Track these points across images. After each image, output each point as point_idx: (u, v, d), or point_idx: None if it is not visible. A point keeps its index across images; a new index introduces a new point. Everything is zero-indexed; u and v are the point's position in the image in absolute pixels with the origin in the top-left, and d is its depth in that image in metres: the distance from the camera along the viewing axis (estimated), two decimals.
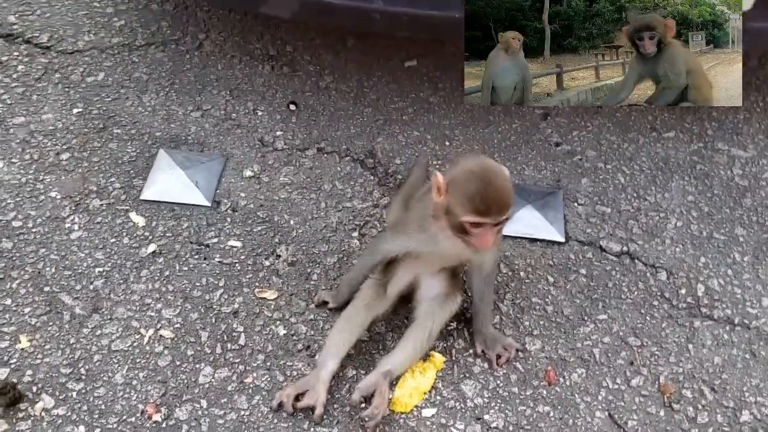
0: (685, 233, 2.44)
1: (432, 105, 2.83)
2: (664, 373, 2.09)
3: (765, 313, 2.23)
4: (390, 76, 2.92)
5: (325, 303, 2.20)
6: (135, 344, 2.10)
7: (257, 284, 2.26)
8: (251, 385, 2.03)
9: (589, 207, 2.50)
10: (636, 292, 2.28)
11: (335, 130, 2.72)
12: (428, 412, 2.00)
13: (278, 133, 2.70)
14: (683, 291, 2.28)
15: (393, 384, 2.03)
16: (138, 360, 2.07)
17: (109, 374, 2.03)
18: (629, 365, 2.11)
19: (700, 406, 2.03)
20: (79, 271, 2.25)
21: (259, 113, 2.77)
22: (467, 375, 2.07)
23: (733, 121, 2.78)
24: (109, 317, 2.15)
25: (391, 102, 2.83)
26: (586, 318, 2.21)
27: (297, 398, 1.98)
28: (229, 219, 2.43)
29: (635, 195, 2.54)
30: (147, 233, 2.37)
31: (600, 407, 2.02)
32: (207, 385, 2.03)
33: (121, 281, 2.24)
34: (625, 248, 2.39)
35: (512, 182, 1.83)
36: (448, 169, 1.91)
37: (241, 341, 2.13)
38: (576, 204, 2.51)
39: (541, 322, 2.20)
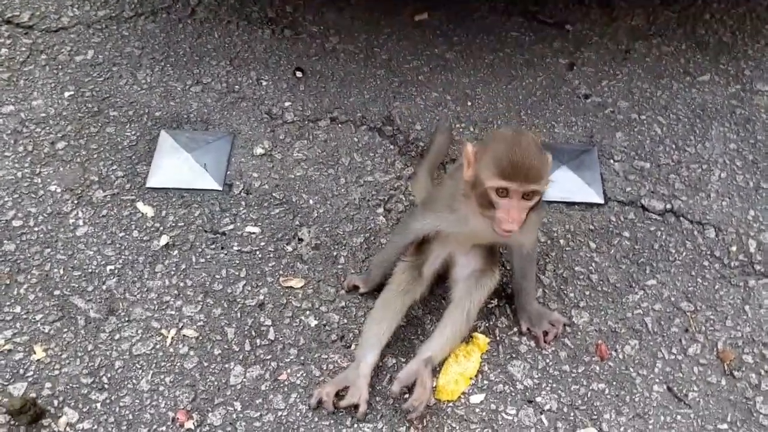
0: (731, 185, 2.28)
1: (449, 62, 2.63)
2: (722, 338, 1.97)
3: None
4: (400, 32, 2.72)
5: (356, 288, 2.06)
6: (158, 346, 1.97)
7: (281, 272, 2.11)
8: (286, 383, 1.91)
9: (626, 163, 2.34)
10: (684, 253, 2.14)
11: (347, 96, 2.54)
12: (476, 398, 1.88)
13: (287, 103, 2.51)
14: (734, 248, 2.14)
15: (436, 371, 1.91)
16: (162, 363, 1.94)
17: (134, 381, 1.90)
18: (684, 333, 1.98)
19: (763, 372, 1.91)
20: (89, 270, 2.10)
21: (264, 83, 2.57)
22: (514, 355, 1.95)
23: None
24: (126, 319, 2.01)
25: (405, 61, 2.63)
26: (633, 285, 2.08)
27: (337, 395, 1.85)
28: (243, 203, 2.26)
29: (674, 147, 2.38)
30: (157, 224, 2.21)
31: (657, 380, 1.90)
32: (239, 386, 1.90)
33: (135, 279, 2.09)
34: (668, 205, 2.24)
35: (546, 152, 1.67)
36: (480, 142, 1.75)
37: (271, 335, 1.99)
38: (612, 161, 2.35)
39: (587, 293, 2.06)
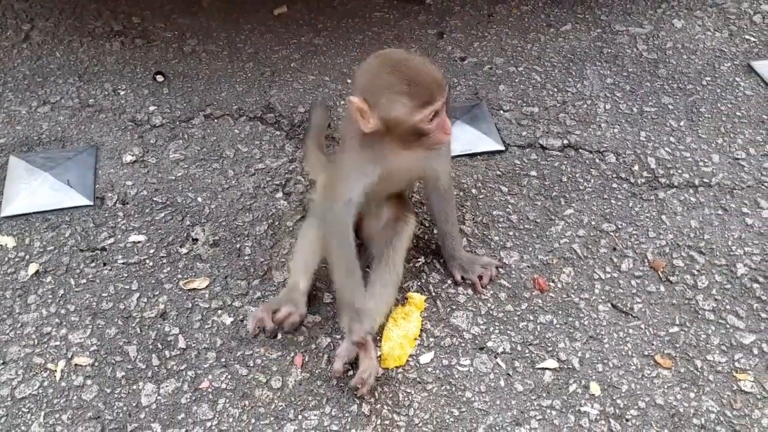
0: (617, 113, 2.32)
1: (318, 47, 2.53)
2: (650, 249, 1.94)
3: (720, 168, 2.15)
4: (262, 26, 2.59)
5: (362, 343, 1.62)
6: (45, 383, 1.63)
7: (180, 276, 1.85)
8: (210, 390, 1.64)
9: (516, 111, 2.32)
10: (592, 180, 2.12)
11: (218, 92, 2.35)
12: (426, 357, 1.70)
13: (151, 108, 2.28)
14: (636, 168, 2.15)
15: (376, 339, 1.72)
16: (55, 401, 1.60)
17: (22, 428, 1.56)
18: (613, 251, 1.94)
19: (695, 272, 1.89)
20: None
21: (122, 92, 2.33)
22: (454, 307, 1.80)
23: (621, 3, 2.72)
24: (1, 362, 1.66)
25: (273, 52, 2.50)
26: (553, 217, 2.02)
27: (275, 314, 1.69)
28: (121, 213, 1.99)
29: (556, 89, 2.40)
30: (21, 253, 1.89)
31: (600, 300, 1.83)
32: (154, 405, 1.61)
33: (5, 316, 1.75)
34: (565, 141, 2.23)
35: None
36: (355, 89, 1.61)
37: (181, 344, 1.72)
38: (502, 111, 2.32)
39: (511, 233, 1.97)
